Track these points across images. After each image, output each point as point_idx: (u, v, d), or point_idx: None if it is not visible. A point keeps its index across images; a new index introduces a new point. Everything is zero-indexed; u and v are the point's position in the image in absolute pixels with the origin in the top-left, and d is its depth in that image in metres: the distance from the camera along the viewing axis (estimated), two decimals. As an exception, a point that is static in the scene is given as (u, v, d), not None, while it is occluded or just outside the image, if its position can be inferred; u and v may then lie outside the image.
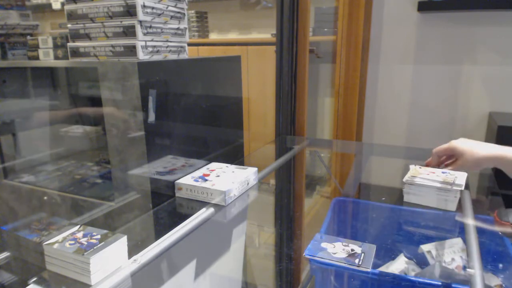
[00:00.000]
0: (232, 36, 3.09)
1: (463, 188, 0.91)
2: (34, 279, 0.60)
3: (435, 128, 2.07)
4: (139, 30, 0.88)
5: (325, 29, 2.34)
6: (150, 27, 0.92)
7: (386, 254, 0.94)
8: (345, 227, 1.01)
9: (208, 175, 0.98)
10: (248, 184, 0.99)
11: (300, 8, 1.55)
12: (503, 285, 0.74)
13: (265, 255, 1.19)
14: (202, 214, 0.83)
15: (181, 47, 1.05)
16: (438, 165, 1.00)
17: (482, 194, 1.10)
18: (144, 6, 0.88)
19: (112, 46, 0.91)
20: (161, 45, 0.96)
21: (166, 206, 0.90)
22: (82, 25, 0.94)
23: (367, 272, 0.63)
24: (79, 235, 0.65)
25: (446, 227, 0.94)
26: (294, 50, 1.59)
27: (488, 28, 1.85)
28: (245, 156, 1.29)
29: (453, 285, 0.63)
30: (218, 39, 3.10)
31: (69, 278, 0.60)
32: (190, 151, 1.02)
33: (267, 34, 2.89)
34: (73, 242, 0.62)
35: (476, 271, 0.62)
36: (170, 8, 0.97)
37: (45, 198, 1.04)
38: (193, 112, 1.02)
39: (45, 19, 3.23)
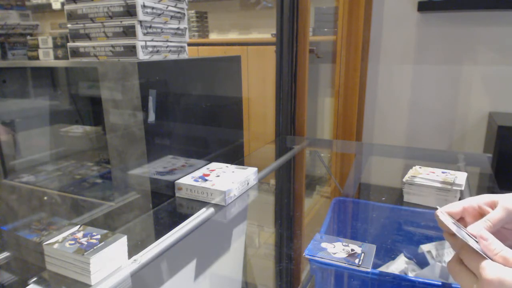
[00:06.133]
0: (232, 36, 3.09)
1: (463, 188, 0.91)
2: (34, 279, 0.60)
3: (435, 128, 2.07)
4: (139, 30, 0.88)
5: (325, 29, 2.34)
6: (150, 27, 0.92)
7: (386, 254, 0.94)
8: (345, 227, 1.01)
9: (208, 175, 0.98)
10: (248, 184, 0.99)
11: (300, 8, 1.55)
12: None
13: (265, 255, 1.19)
14: (202, 214, 0.83)
15: (181, 47, 1.05)
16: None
17: (482, 194, 1.09)
18: (144, 6, 0.88)
19: (112, 46, 0.91)
20: (161, 45, 0.96)
21: (166, 206, 0.90)
22: (82, 25, 0.94)
23: (367, 272, 0.63)
24: (79, 235, 0.65)
25: (446, 227, 0.94)
26: (294, 50, 1.59)
27: (488, 28, 1.85)
28: (245, 156, 1.29)
29: (453, 285, 0.63)
30: (218, 39, 3.10)
31: (69, 278, 0.60)
32: (190, 151, 1.02)
33: (267, 34, 2.89)
34: (73, 242, 0.62)
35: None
36: (170, 8, 0.97)
37: (45, 198, 1.04)
38: (193, 112, 1.02)
39: (45, 19, 3.23)
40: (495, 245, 0.44)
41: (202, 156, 1.07)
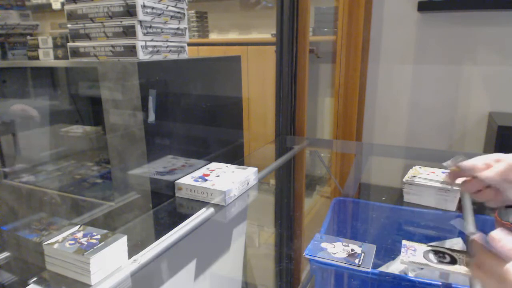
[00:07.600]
0: (232, 36, 3.09)
1: (463, 188, 0.91)
2: (34, 279, 0.60)
3: (435, 128, 2.07)
4: (139, 30, 0.88)
5: (325, 29, 2.34)
6: (150, 27, 0.92)
7: (386, 254, 0.94)
8: (345, 227, 1.01)
9: (208, 175, 0.98)
10: (248, 184, 0.99)
11: (300, 8, 1.55)
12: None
13: (265, 255, 1.19)
14: (202, 214, 0.83)
15: (181, 47, 1.05)
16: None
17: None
18: (144, 6, 0.88)
19: (112, 46, 0.91)
20: (161, 45, 0.96)
21: (166, 206, 0.90)
22: (82, 25, 0.94)
23: (367, 272, 0.63)
24: (79, 235, 0.65)
25: (446, 227, 0.94)
26: (294, 50, 1.59)
27: (488, 28, 1.85)
28: (245, 156, 1.29)
29: (453, 285, 0.63)
30: (218, 39, 3.10)
31: (69, 278, 0.60)
32: (190, 151, 1.02)
33: (267, 34, 2.89)
34: (73, 242, 0.62)
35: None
36: (170, 8, 0.97)
37: (45, 198, 1.04)
38: (193, 112, 1.02)
39: (45, 19, 3.23)
40: (510, 244, 0.44)
41: (202, 156, 1.07)
